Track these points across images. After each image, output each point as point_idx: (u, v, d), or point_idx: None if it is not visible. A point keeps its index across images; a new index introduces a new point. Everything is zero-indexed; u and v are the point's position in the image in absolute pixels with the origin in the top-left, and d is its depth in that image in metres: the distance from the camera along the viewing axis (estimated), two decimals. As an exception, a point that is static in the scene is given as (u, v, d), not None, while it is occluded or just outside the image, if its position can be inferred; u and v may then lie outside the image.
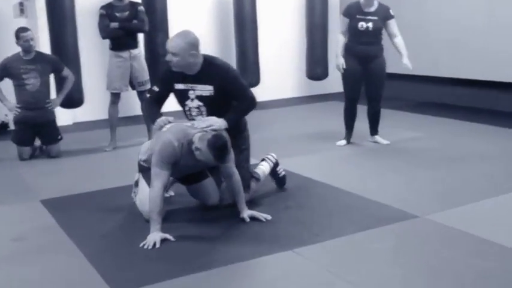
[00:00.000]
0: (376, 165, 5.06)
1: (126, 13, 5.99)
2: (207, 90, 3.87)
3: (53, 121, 5.88)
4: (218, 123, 3.75)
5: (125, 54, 6.01)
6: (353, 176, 4.77)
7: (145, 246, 3.40)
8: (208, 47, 8.43)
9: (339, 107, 5.93)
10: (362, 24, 5.49)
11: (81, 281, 3.06)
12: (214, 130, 3.64)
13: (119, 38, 5.97)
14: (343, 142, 5.84)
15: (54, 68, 5.82)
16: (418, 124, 6.80)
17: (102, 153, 5.92)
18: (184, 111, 4.03)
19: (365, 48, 5.54)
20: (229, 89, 3.88)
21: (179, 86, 3.94)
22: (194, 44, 3.81)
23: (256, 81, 8.28)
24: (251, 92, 3.99)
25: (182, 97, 3.97)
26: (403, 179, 4.61)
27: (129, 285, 2.97)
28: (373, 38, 5.53)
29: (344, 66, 5.62)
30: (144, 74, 6.10)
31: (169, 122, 3.81)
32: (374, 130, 5.85)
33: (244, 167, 3.99)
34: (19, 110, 5.72)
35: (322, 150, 5.69)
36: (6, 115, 6.78)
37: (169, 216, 3.86)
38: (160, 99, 4.03)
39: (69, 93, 6.03)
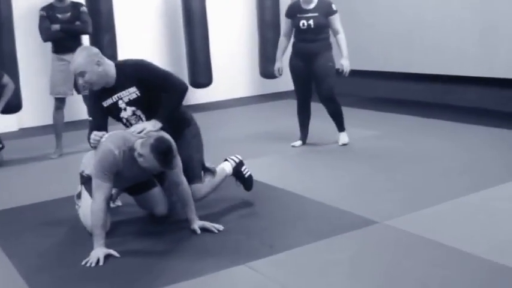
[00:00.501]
0: (333, 168, 4.91)
1: (68, 14, 5.71)
2: (132, 93, 3.67)
3: (-8, 130, 5.56)
4: (151, 124, 3.56)
5: (68, 57, 5.67)
6: (309, 179, 4.61)
7: (88, 264, 3.17)
8: (157, 47, 8.35)
9: (294, 106, 5.76)
10: (303, 23, 5.35)
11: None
12: (153, 132, 3.45)
13: (61, 40, 5.69)
14: (299, 143, 5.69)
15: None
16: (373, 121, 6.71)
17: (47, 161, 5.64)
18: (124, 125, 3.79)
19: (308, 46, 5.40)
20: (151, 81, 3.66)
21: (108, 102, 3.71)
22: (95, 53, 3.65)
23: (208, 81, 8.08)
24: (177, 78, 3.74)
25: (115, 111, 3.73)
26: (361, 181, 4.46)
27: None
28: (316, 35, 5.38)
29: (280, 72, 5.62)
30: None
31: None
32: (339, 127, 5.66)
33: (194, 159, 3.80)
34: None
35: (276, 151, 5.52)
36: None
37: (115, 229, 3.65)
38: (101, 126, 3.72)
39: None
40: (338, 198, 4.07)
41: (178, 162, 3.55)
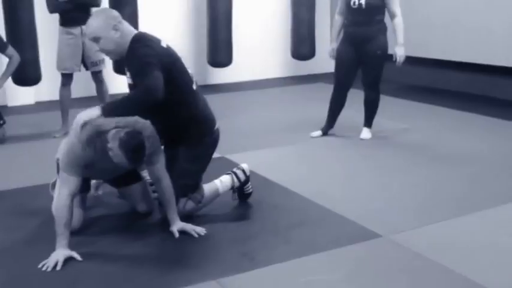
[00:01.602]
0: (346, 166, 4.41)
1: (77, -16, 5.34)
2: (128, 77, 3.22)
3: (-7, 105, 5.28)
4: (90, 111, 3.02)
5: (76, 30, 5.36)
6: (317, 179, 4.13)
7: (44, 268, 2.82)
8: (180, 21, 7.93)
9: (326, 90, 5.23)
10: (354, 1, 4.79)
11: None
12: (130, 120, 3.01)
13: (69, 12, 5.33)
14: (318, 133, 5.20)
15: None
16: (406, 112, 6.15)
17: (49, 140, 5.31)
18: None
19: (359, 30, 4.84)
20: (130, 70, 3.17)
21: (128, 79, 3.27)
22: (114, 17, 3.18)
23: (227, 61, 7.62)
24: (149, 80, 3.04)
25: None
26: (373, 184, 3.96)
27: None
28: (368, 16, 4.80)
29: (333, 53, 5.03)
30: (98, 53, 5.40)
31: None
32: (366, 122, 5.14)
33: (176, 180, 3.23)
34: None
35: (292, 142, 5.05)
36: None
37: (90, 225, 3.31)
38: None
39: (24, 69, 5.59)
40: (344, 203, 3.60)
41: (160, 158, 3.16)
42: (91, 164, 3.02)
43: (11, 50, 5.31)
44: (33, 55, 6.25)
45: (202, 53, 7.77)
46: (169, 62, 3.18)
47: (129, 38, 3.17)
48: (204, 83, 8.09)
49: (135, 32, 3.23)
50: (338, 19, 5.04)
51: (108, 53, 3.26)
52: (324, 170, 4.31)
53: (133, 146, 2.86)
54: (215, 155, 4.48)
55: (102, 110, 3.01)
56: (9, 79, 6.12)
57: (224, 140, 4.77)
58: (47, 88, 6.99)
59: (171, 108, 3.18)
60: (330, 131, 5.21)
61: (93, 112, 3.01)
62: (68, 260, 2.87)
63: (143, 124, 3.09)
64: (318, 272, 2.74)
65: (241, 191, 3.63)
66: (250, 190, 3.67)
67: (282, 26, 8.28)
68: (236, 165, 4.10)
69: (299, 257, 2.89)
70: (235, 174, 3.57)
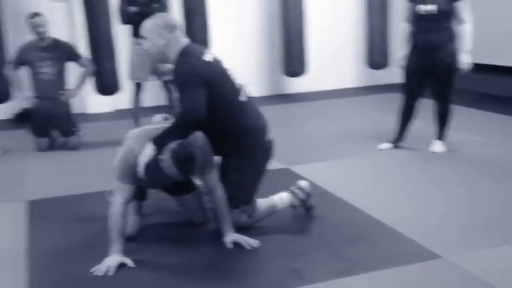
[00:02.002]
0: (412, 181, 4.23)
1: (146, -4, 5.48)
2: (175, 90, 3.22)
3: (67, 113, 5.47)
4: (146, 151, 2.96)
5: (145, 41, 5.49)
6: (380, 193, 3.99)
7: (96, 272, 2.88)
8: (252, 31, 7.96)
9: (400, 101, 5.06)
10: (421, 7, 4.62)
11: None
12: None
13: (139, 23, 5.43)
14: (387, 146, 5.04)
15: (70, 56, 5.42)
16: (482, 124, 5.87)
17: (119, 147, 5.45)
18: None
19: (428, 37, 4.66)
20: (176, 87, 3.14)
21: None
22: (165, 25, 3.16)
23: (302, 70, 7.57)
24: (189, 103, 3.01)
25: None
26: (438, 201, 3.77)
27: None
28: (438, 23, 4.61)
29: (402, 61, 4.86)
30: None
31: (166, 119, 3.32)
32: (437, 134, 4.93)
33: (229, 191, 3.21)
34: (35, 100, 5.36)
35: (359, 153, 4.94)
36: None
37: (146, 232, 3.36)
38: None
39: (103, 79, 5.89)
40: (405, 220, 3.45)
41: (213, 168, 3.16)
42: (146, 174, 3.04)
43: (84, 59, 5.51)
44: (112, 66, 6.47)
45: (277, 63, 7.77)
46: (211, 77, 3.10)
47: (176, 50, 3.14)
48: (278, 93, 8.12)
49: (184, 44, 3.17)
50: (405, 26, 4.86)
51: (149, 55, 3.27)
52: (388, 184, 4.17)
53: (184, 157, 2.86)
54: (279, 166, 4.52)
55: (154, 143, 2.95)
56: (89, 88, 6.38)
57: (290, 150, 4.75)
58: (126, 97, 7.21)
59: (217, 121, 3.16)
60: (400, 144, 5.05)
61: (148, 149, 2.96)
62: (121, 266, 2.92)
63: (196, 135, 3.10)
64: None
65: (303, 206, 3.57)
66: (313, 205, 3.60)
67: (356, 35, 8.16)
68: (299, 177, 4.08)
69: (350, 276, 2.80)
70: (294, 193, 3.51)
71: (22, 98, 5.48)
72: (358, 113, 6.74)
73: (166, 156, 2.88)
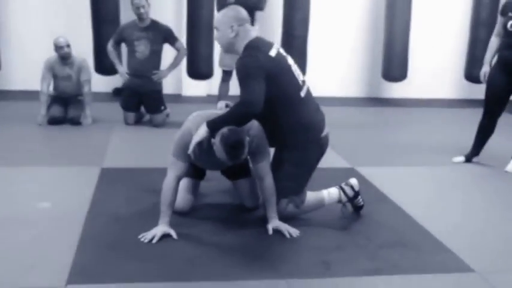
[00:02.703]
0: (475, 197, 4.15)
1: (246, -11, 5.66)
2: None
3: (158, 91, 5.80)
4: (198, 135, 3.15)
5: (240, 30, 5.70)
6: (438, 204, 3.96)
7: (142, 239, 3.12)
8: (353, 31, 7.97)
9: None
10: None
11: (46, 259, 2.87)
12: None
13: (235, 13, 5.68)
14: (461, 159, 4.95)
15: (166, 39, 5.72)
16: None
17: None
18: None
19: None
20: (237, 78, 3.23)
21: None
22: (236, 18, 3.26)
23: (401, 76, 7.50)
24: (248, 95, 3.12)
25: None
26: (493, 220, 3.69)
27: (86, 279, 2.70)
28: None
29: (485, 77, 4.76)
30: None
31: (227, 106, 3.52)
32: None
33: (279, 180, 3.34)
34: (127, 76, 5.73)
35: (431, 163, 4.88)
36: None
37: (198, 210, 3.58)
38: None
39: (198, 64, 6.16)
40: (452, 232, 3.42)
41: (266, 156, 3.30)
42: (197, 154, 3.24)
43: (179, 43, 5.80)
44: (208, 52, 6.73)
45: (378, 66, 7.75)
46: (273, 72, 3.20)
47: (244, 43, 3.26)
48: (375, 96, 8.11)
49: (252, 38, 3.30)
50: (494, 40, 4.74)
51: (220, 45, 3.39)
52: (449, 197, 4.12)
53: (233, 142, 3.02)
54: (346, 165, 4.59)
55: (207, 125, 3.13)
56: (183, 72, 6.71)
57: (363, 152, 4.84)
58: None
59: (275, 113, 3.27)
60: (475, 159, 4.93)
61: (202, 130, 3.14)
62: (165, 236, 3.13)
63: (251, 123, 3.24)
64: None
65: (351, 204, 3.64)
66: (362, 203, 3.66)
67: (459, 47, 7.96)
68: (362, 177, 4.15)
69: (377, 275, 2.85)
70: (343, 190, 3.58)
71: (119, 74, 5.85)
72: (447, 124, 6.63)
73: (217, 140, 3.05)
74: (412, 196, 4.04)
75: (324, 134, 3.44)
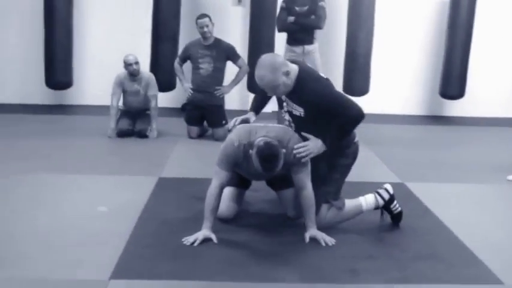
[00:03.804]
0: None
1: (305, 8, 5.89)
2: (297, 110, 3.51)
3: (220, 106, 6.06)
4: (317, 148, 3.39)
5: (298, 49, 5.94)
6: (483, 220, 3.96)
7: (185, 242, 3.35)
8: (415, 48, 7.98)
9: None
10: None
11: (95, 256, 3.14)
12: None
13: (294, 32, 5.90)
14: (514, 177, 4.92)
15: (229, 57, 5.99)
16: None
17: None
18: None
19: None
20: (324, 111, 3.39)
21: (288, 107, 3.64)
22: (283, 63, 3.42)
23: (459, 93, 7.45)
24: (352, 109, 3.38)
25: (280, 100, 3.72)
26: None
27: (128, 274, 2.95)
28: None
29: None
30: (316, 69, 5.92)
31: (244, 122, 3.66)
32: None
33: (318, 187, 3.50)
34: (191, 92, 6.04)
35: (482, 181, 4.86)
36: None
37: (242, 218, 3.77)
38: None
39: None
40: (489, 246, 3.45)
41: (305, 167, 3.44)
42: (239, 164, 3.45)
43: (241, 61, 6.06)
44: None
45: (436, 84, 7.74)
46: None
47: (295, 75, 3.43)
48: (433, 114, 8.07)
49: (296, 67, 3.47)
50: None
51: (277, 92, 3.50)
52: (495, 214, 4.11)
53: (267, 155, 3.20)
54: (395, 180, 4.68)
55: (326, 144, 3.40)
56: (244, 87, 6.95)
57: (414, 168, 4.97)
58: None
59: (328, 124, 3.41)
60: (530, 177, 4.88)
61: (319, 147, 3.40)
62: (206, 240, 3.34)
63: (291, 136, 3.43)
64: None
65: (388, 210, 3.73)
66: (399, 209, 3.74)
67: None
68: (409, 192, 4.24)
69: (404, 284, 2.94)
70: (379, 193, 3.70)
71: (183, 89, 6.17)
72: (507, 143, 6.51)
73: (253, 152, 3.24)
74: (456, 212, 4.06)
75: (356, 139, 3.62)
